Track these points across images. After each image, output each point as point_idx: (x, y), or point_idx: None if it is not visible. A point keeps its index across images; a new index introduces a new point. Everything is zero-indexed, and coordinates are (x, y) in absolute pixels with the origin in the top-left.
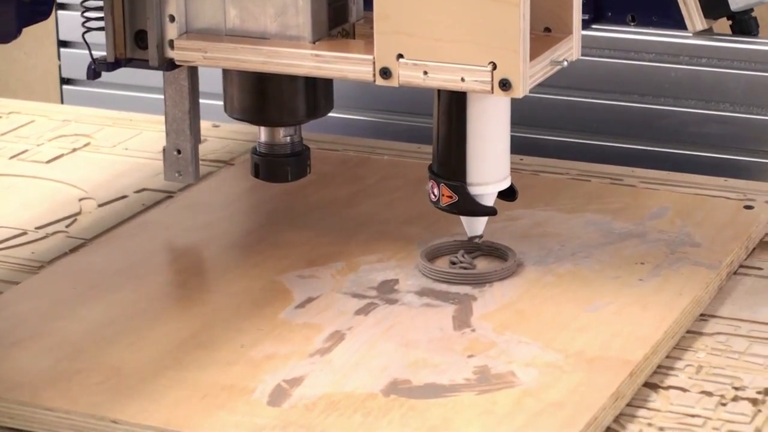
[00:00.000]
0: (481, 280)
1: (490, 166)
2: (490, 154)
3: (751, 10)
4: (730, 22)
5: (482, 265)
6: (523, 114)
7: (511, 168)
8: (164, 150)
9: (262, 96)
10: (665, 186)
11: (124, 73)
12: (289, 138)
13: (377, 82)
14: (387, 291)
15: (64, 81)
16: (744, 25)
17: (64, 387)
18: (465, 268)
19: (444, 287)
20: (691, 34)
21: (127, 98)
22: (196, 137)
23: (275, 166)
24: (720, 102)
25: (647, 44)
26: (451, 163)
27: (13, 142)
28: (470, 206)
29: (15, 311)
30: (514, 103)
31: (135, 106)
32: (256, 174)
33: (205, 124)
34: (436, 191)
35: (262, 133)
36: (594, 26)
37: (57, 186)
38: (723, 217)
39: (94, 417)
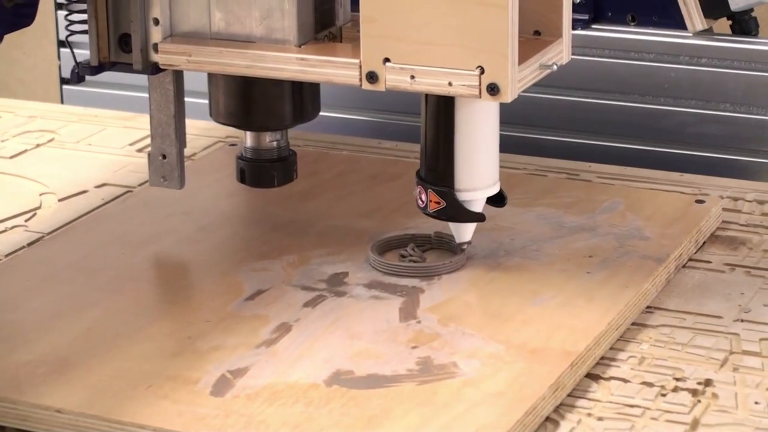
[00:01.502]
0: (429, 273)
1: (478, 171)
2: (479, 159)
3: (751, 10)
4: (730, 22)
5: (432, 258)
6: (522, 114)
7: None
8: (149, 155)
9: (247, 100)
10: (621, 181)
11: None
12: (275, 143)
13: (363, 87)
14: (336, 284)
15: (64, 81)
16: (744, 25)
17: (11, 376)
18: (414, 261)
19: (393, 280)
20: (691, 34)
21: (127, 98)
22: (181, 142)
23: (261, 171)
24: (720, 102)
25: (647, 44)
26: (438, 168)
27: None
28: (458, 212)
29: None
30: (513, 103)
31: (135, 106)
32: (242, 179)
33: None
34: (423, 197)
35: (247, 138)
36: (594, 26)
37: (18, 181)
38: (674, 211)
39: (38, 407)
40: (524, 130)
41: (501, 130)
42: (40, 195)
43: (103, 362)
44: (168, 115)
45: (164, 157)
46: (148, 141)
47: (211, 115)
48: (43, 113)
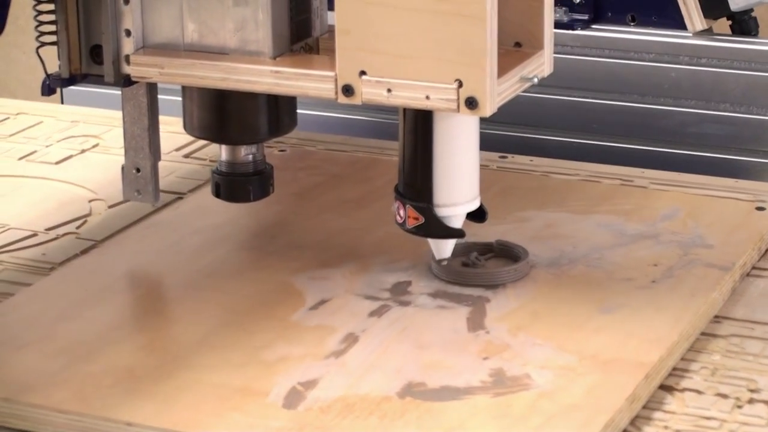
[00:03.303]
0: (494, 281)
1: (457, 186)
2: (458, 174)
3: (751, 10)
4: (730, 22)
5: (495, 266)
6: (522, 114)
7: (521, 170)
8: (123, 168)
9: (222, 113)
10: (675, 187)
11: None
12: (251, 156)
13: (339, 101)
14: (400, 293)
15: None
16: (744, 25)
17: (77, 389)
18: (478, 270)
19: (457, 289)
20: (691, 34)
21: None
22: (155, 155)
23: (236, 185)
24: (720, 102)
25: (647, 44)
26: (417, 183)
27: (21, 143)
28: (437, 228)
29: (26, 313)
30: (513, 102)
31: None
32: (217, 194)
33: None
34: (402, 212)
35: (222, 152)
36: (594, 26)
37: (66, 187)
38: (735, 218)
39: (107, 420)
40: (524, 130)
41: (501, 130)
42: (90, 201)
43: (169, 373)
44: (141, 128)
45: (138, 170)
46: (195, 146)
47: (185, 128)
48: (85, 117)
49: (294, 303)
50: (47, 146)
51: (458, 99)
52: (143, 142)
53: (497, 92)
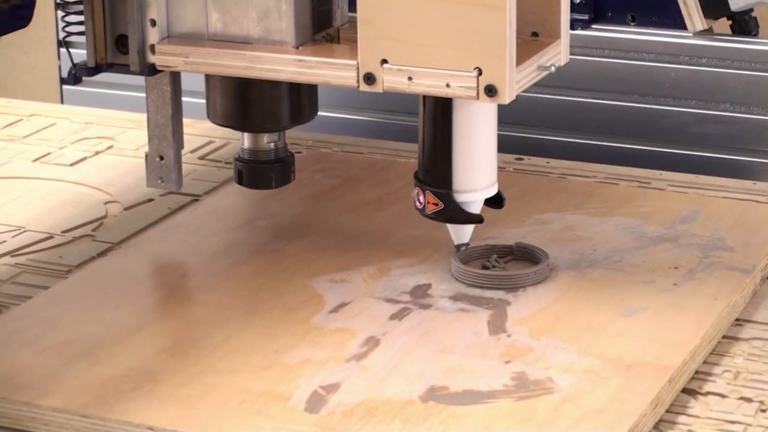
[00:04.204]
0: (515, 284)
1: (476, 173)
2: (477, 160)
3: (751, 10)
4: (730, 22)
5: (515, 268)
6: (523, 114)
7: (537, 172)
8: (146, 156)
9: (245, 102)
10: (693, 189)
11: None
12: (273, 144)
13: (361, 88)
14: (420, 296)
15: (64, 81)
16: (744, 25)
17: (98, 393)
18: (498, 272)
19: (477, 292)
20: (691, 34)
21: (127, 98)
22: (179, 143)
23: (259, 172)
24: (720, 102)
25: (647, 44)
26: (436, 170)
27: (35, 145)
28: (456, 214)
29: (45, 316)
30: (513, 103)
31: (135, 106)
32: (240, 181)
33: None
34: (421, 198)
35: (245, 140)
36: (594, 26)
37: (81, 189)
38: (755, 220)
39: (129, 424)
40: (524, 130)
41: (500, 130)
42: (105, 204)
43: (191, 377)
44: (165, 117)
45: (162, 158)
46: (210, 148)
47: (208, 117)
48: (98, 119)
49: (314, 306)
50: (61, 148)
51: (478, 87)
52: (167, 130)
53: (516, 80)
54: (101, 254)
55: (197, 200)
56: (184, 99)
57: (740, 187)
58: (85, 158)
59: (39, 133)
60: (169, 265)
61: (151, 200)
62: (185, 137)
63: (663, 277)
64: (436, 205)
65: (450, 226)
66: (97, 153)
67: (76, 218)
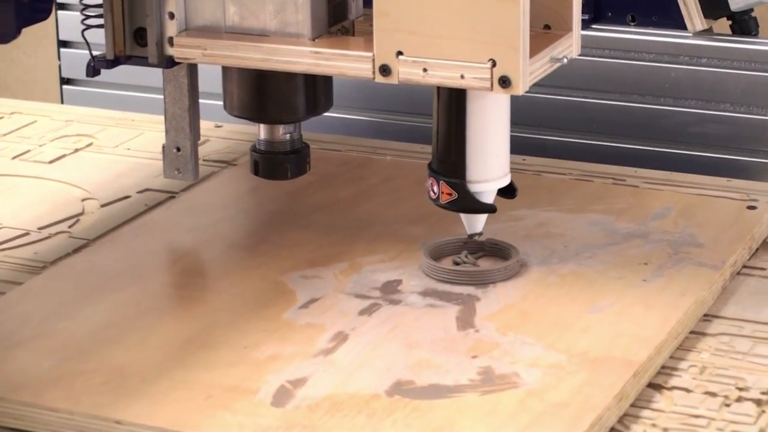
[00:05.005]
0: (484, 279)
1: (489, 163)
2: (490, 151)
3: (751, 10)
4: (730, 22)
5: (485, 264)
6: (523, 114)
7: (513, 168)
8: (164, 147)
9: (261, 93)
10: (668, 186)
11: (124, 73)
12: (288, 135)
13: (377, 80)
14: (390, 291)
15: (64, 81)
16: (744, 25)
17: (67, 387)
18: (468, 268)
19: (447, 287)
20: (691, 34)
21: (127, 98)
22: (195, 135)
23: (275, 163)
24: (720, 102)
25: (647, 44)
26: (450, 160)
27: (15, 143)
28: (470, 203)
29: (18, 312)
30: (514, 102)
31: (135, 106)
32: (256, 171)
33: (207, 124)
34: (435, 188)
35: (261, 131)
36: (594, 26)
37: (59, 186)
38: (726, 217)
39: (97, 417)
40: (524, 130)
41: None
42: (83, 200)
43: (161, 372)
44: (182, 109)
45: (178, 150)
46: None
47: (224, 108)
48: (79, 117)
49: (285, 302)
50: (41, 145)
51: (492, 78)
52: (184, 122)
53: (529, 71)
54: (76, 251)
55: (173, 197)
56: (151, 96)
57: (714, 184)
58: (64, 156)
59: (19, 131)
60: (142, 262)
61: (128, 197)
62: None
63: (632, 273)
64: (449, 195)
65: (463, 216)
66: (77, 150)
67: (52, 215)
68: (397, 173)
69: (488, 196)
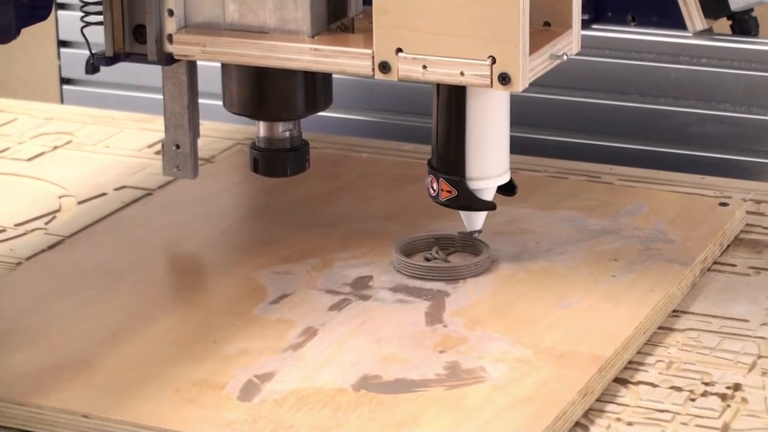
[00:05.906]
0: (455, 276)
1: (489, 160)
2: (490, 148)
3: (751, 10)
4: (730, 22)
5: (457, 260)
6: (522, 114)
7: None
8: (163, 145)
9: (261, 90)
10: (642, 183)
11: (123, 73)
12: (288, 133)
13: (376, 77)
14: (361, 287)
15: (64, 81)
16: (744, 25)
17: (37, 382)
18: (439, 264)
19: (418, 283)
20: (691, 34)
21: (126, 98)
22: (195, 132)
23: (274, 160)
24: (720, 102)
25: (647, 44)
26: (450, 157)
27: None
28: (469, 201)
29: None
30: (514, 102)
31: (135, 106)
32: (255, 169)
33: None
34: (435, 186)
35: (260, 128)
36: (594, 26)
37: (37, 183)
38: (698, 214)
39: (65, 411)
40: (524, 130)
41: None
42: (59, 197)
43: (129, 366)
44: (181, 106)
45: (178, 147)
46: None
47: (224, 105)
48: (59, 115)
49: (256, 297)
50: (20, 143)
51: (491, 75)
52: (183, 119)
53: (529, 68)
54: (52, 247)
55: (150, 194)
56: (149, 96)
57: (688, 180)
58: (42, 153)
59: None
60: (116, 258)
61: (104, 194)
62: (144, 132)
63: (602, 270)
64: (449, 192)
65: (463, 213)
66: (56, 148)
67: (29, 212)
68: (372, 170)
69: (488, 193)
